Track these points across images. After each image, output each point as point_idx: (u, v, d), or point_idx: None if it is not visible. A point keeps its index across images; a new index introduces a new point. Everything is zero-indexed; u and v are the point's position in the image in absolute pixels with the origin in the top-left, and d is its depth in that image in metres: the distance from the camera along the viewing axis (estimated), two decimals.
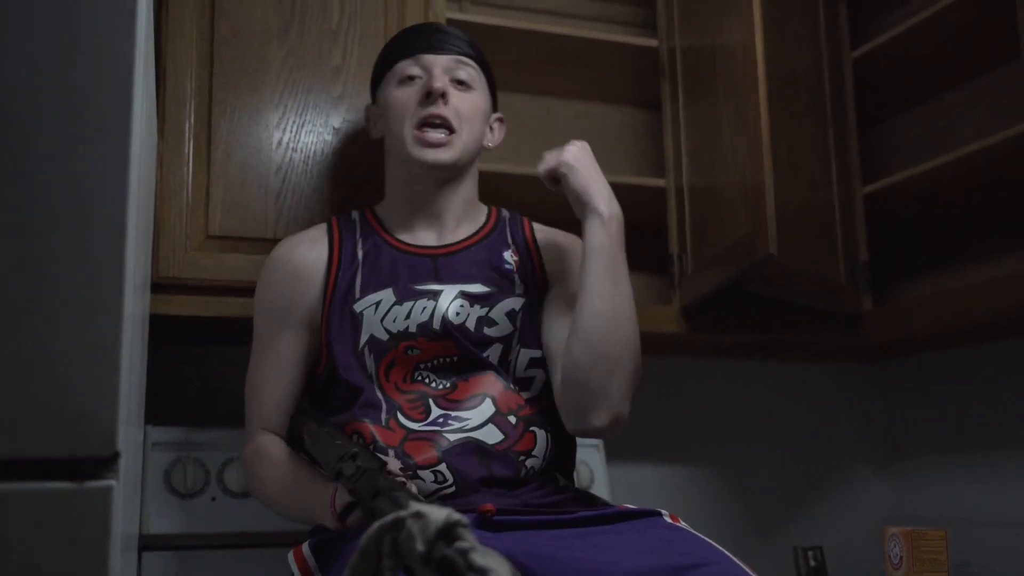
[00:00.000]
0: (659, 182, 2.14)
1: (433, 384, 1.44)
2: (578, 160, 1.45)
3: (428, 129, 1.50)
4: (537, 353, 1.50)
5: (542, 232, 1.62)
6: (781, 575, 2.16)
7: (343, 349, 1.47)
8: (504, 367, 1.47)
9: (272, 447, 1.49)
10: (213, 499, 1.79)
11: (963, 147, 1.90)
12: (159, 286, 1.74)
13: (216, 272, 1.77)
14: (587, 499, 1.46)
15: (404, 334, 1.45)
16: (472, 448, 1.38)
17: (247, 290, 1.78)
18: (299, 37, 1.87)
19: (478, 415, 1.42)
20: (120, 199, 1.05)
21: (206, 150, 1.80)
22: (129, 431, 1.09)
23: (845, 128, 2.18)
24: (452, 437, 1.39)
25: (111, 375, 0.97)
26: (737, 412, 2.46)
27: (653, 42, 2.20)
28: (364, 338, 1.46)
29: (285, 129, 1.85)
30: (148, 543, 1.71)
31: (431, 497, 1.35)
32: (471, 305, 1.48)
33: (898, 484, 2.48)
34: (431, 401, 1.43)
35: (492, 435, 1.40)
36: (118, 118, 1.06)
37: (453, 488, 1.35)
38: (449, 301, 1.47)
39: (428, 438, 1.39)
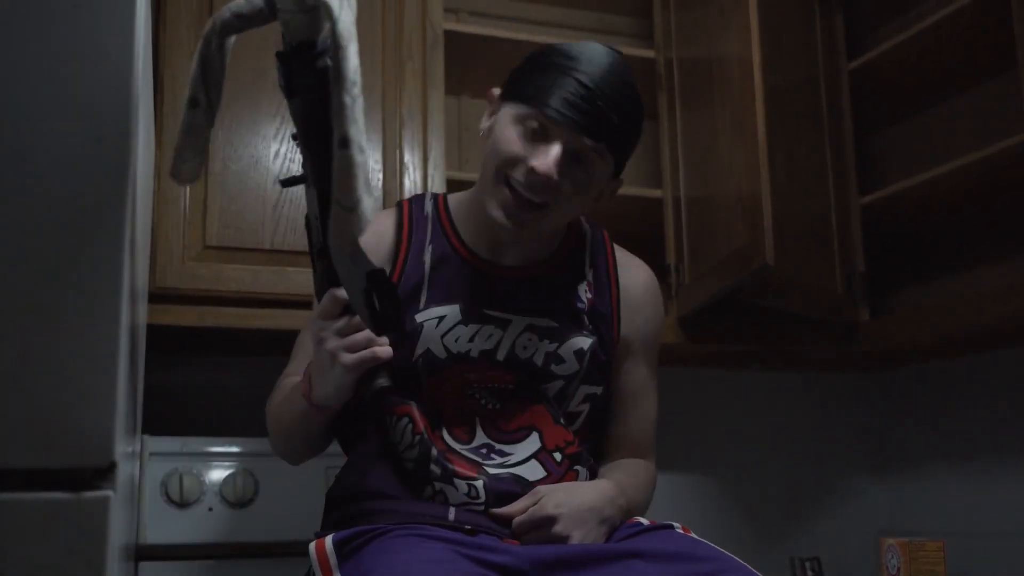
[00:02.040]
0: (656, 193, 2.15)
1: (483, 402, 1.37)
2: (559, 508, 1.29)
3: (512, 200, 1.32)
4: (597, 390, 1.42)
5: (624, 266, 1.49)
6: None
7: (401, 354, 1.32)
8: (559, 400, 1.39)
9: (286, 379, 1.44)
10: (210, 509, 1.78)
11: (960, 157, 1.91)
12: (156, 296, 1.75)
13: (213, 282, 1.77)
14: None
15: (464, 357, 1.36)
16: (511, 481, 1.33)
17: (244, 300, 1.79)
18: None
19: (522, 450, 1.36)
20: (118, 209, 1.05)
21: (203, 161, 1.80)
22: (126, 441, 1.08)
23: (842, 138, 2.19)
24: (492, 471, 1.33)
25: (108, 385, 0.96)
26: (734, 422, 2.47)
27: (650, 53, 2.21)
28: (420, 350, 1.35)
29: (283, 140, 1.85)
30: (145, 553, 1.71)
31: (460, 507, 1.30)
32: (540, 340, 1.38)
33: (895, 494, 2.48)
34: (477, 422, 1.36)
35: (535, 472, 1.34)
36: (116, 128, 1.06)
37: (483, 506, 1.31)
38: (517, 333, 1.37)
39: (471, 461, 1.34)
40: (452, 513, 1.29)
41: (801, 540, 2.39)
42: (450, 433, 1.35)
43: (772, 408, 2.49)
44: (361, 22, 1.92)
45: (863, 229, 2.17)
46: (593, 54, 1.32)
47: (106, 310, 0.98)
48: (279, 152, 1.84)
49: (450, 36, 2.02)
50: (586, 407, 1.42)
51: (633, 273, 1.49)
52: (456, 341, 1.36)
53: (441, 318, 1.37)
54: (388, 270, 1.39)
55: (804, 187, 2.00)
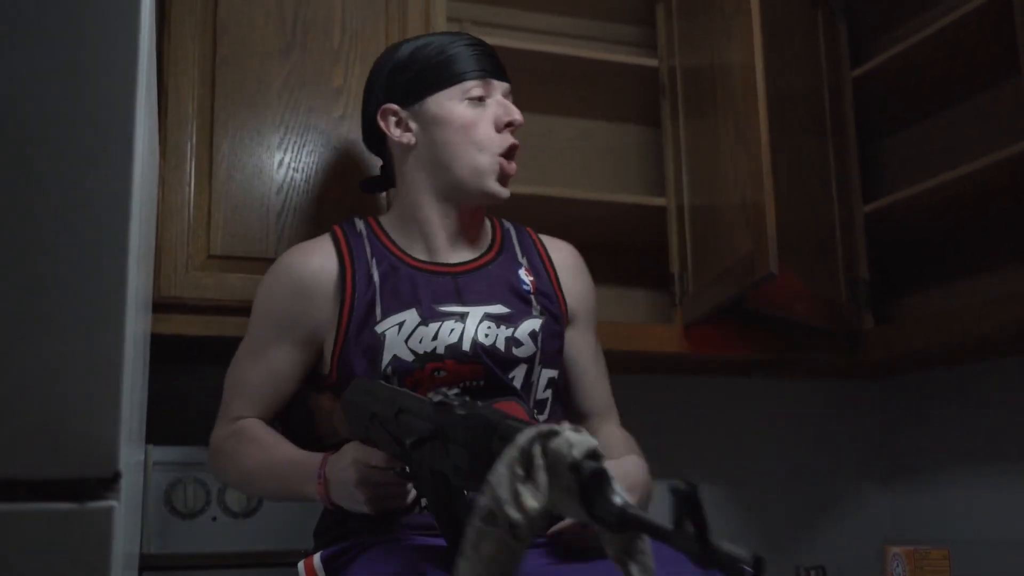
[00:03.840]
0: (660, 201, 2.15)
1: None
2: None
3: (505, 160, 1.47)
4: (554, 373, 1.48)
5: (553, 248, 1.59)
6: None
7: (366, 372, 1.41)
8: (527, 390, 1.45)
9: (256, 426, 1.46)
10: (214, 519, 1.79)
11: (964, 165, 1.91)
12: (161, 305, 1.74)
13: (218, 291, 1.77)
14: None
15: (431, 355, 1.40)
16: None
17: (248, 309, 1.78)
18: (301, 57, 1.88)
19: None
20: (123, 219, 1.05)
21: (208, 170, 1.80)
22: (130, 451, 1.08)
23: (845, 146, 2.19)
24: None
25: (113, 395, 0.96)
26: (738, 430, 2.46)
27: (653, 62, 2.21)
28: (387, 358, 1.40)
29: (287, 149, 1.85)
30: (149, 563, 1.71)
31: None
32: (497, 326, 1.44)
33: (900, 502, 2.47)
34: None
35: None
36: (121, 138, 1.06)
37: None
38: (477, 323, 1.43)
39: None
40: None
41: (806, 549, 2.38)
42: None
43: (775, 416, 2.49)
44: (365, 32, 1.95)
45: (867, 237, 2.16)
46: (445, 32, 1.58)
47: (111, 320, 0.98)
48: (282, 161, 1.84)
49: None
50: (549, 394, 1.47)
51: (562, 251, 1.60)
52: (420, 342, 1.41)
53: (401, 324, 1.42)
54: (338, 296, 1.45)
55: (808, 195, 2.00)
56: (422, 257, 1.50)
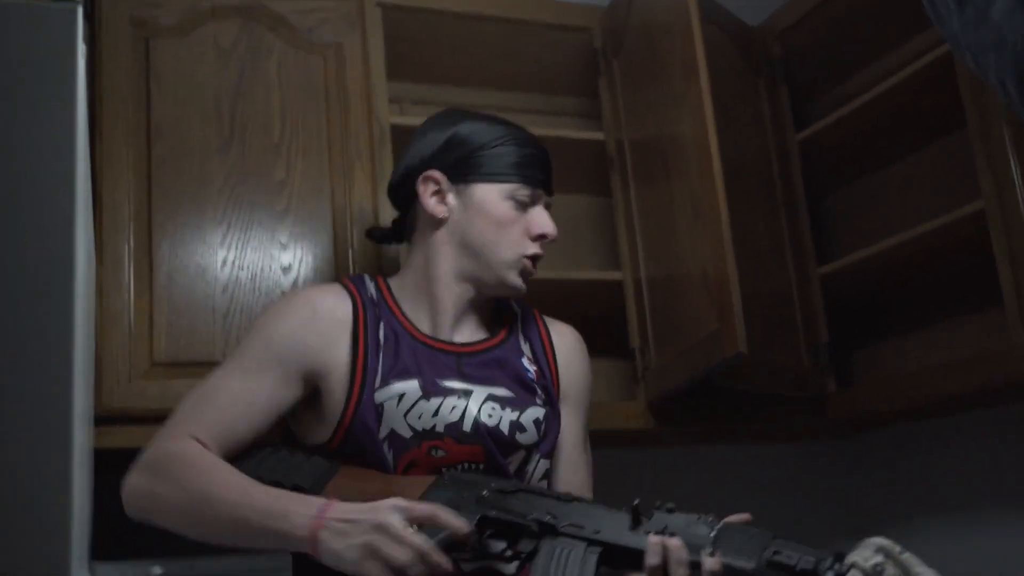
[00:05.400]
0: (616, 275, 2.12)
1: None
2: None
3: (530, 263, 1.47)
4: (549, 464, 1.46)
5: (556, 332, 1.56)
6: None
7: (369, 438, 1.35)
8: (521, 478, 1.40)
9: (210, 455, 1.31)
10: None
11: (912, 219, 1.92)
12: (103, 418, 1.66)
13: (163, 400, 1.68)
14: None
15: (430, 433, 1.35)
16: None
17: None
18: (240, 153, 1.84)
19: None
20: (66, 335, 1.02)
21: (148, 274, 1.74)
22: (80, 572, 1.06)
23: (796, 209, 2.18)
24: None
25: (62, 518, 0.94)
26: (705, 498, 2.40)
27: (599, 135, 2.19)
28: (384, 432, 1.35)
29: (230, 247, 1.80)
30: None
31: None
32: (502, 408, 1.40)
33: None
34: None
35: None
36: (61, 251, 1.04)
37: None
38: (480, 402, 1.39)
39: None
40: None
41: None
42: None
43: (741, 481, 2.45)
44: (306, 124, 1.91)
45: (824, 298, 2.15)
46: (511, 124, 1.54)
47: (58, 438, 0.96)
48: (226, 260, 1.79)
49: (397, 130, 1.99)
50: (544, 485, 1.43)
51: (564, 336, 1.57)
52: (420, 418, 1.36)
53: (401, 395, 1.37)
54: (350, 351, 1.39)
55: (765, 264, 1.99)
56: (426, 331, 1.45)
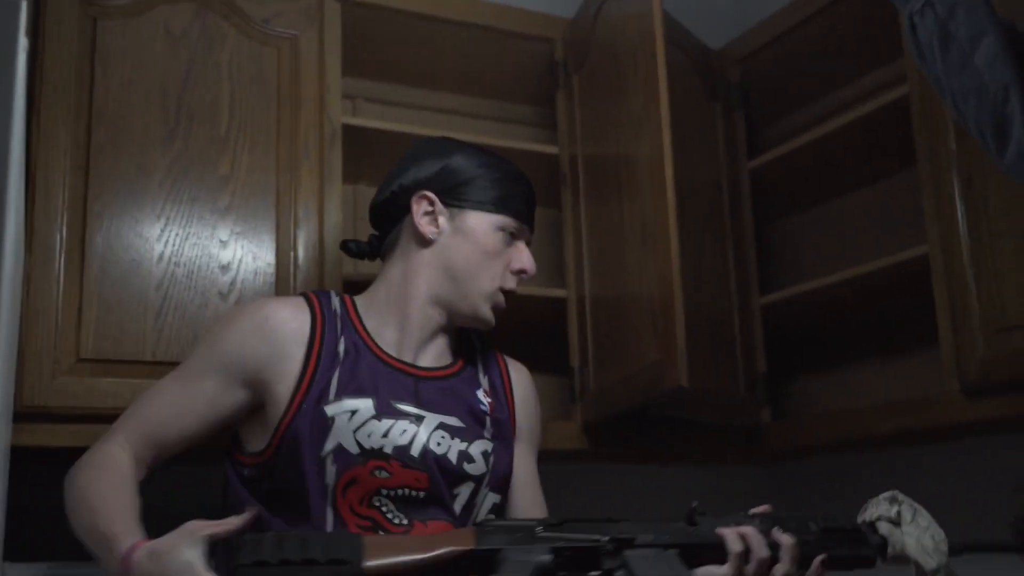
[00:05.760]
0: (560, 292, 2.10)
1: (390, 516, 1.37)
2: None
3: (503, 297, 1.52)
4: (498, 498, 1.48)
5: (515, 371, 1.61)
6: None
7: (307, 450, 1.36)
8: (468, 510, 1.42)
9: (123, 462, 1.39)
10: None
11: (855, 255, 1.95)
12: (22, 415, 1.60)
13: (88, 398, 1.65)
14: None
15: (377, 452, 1.37)
16: None
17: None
18: (184, 144, 1.78)
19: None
20: None
21: (79, 266, 1.67)
22: None
23: (743, 238, 2.19)
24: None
25: None
26: (639, 514, 2.42)
27: (554, 149, 2.17)
28: (330, 445, 1.36)
29: (167, 242, 1.74)
30: None
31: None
32: (452, 437, 1.43)
33: None
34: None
35: None
36: None
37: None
38: (431, 430, 1.41)
39: None
40: None
41: None
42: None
43: (675, 501, 2.45)
44: (255, 118, 1.86)
45: (763, 328, 2.16)
46: (504, 160, 1.57)
47: None
48: (163, 255, 1.73)
49: (348, 130, 1.94)
50: (492, 519, 1.44)
51: (522, 374, 1.62)
52: (369, 436, 1.37)
53: (353, 412, 1.38)
54: (302, 363, 1.41)
55: (710, 292, 1.99)
56: (389, 349, 1.47)
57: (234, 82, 1.84)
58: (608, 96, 2.01)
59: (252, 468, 1.42)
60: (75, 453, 1.70)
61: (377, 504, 1.36)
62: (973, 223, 1.68)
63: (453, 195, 1.49)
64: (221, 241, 1.78)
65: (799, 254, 2.39)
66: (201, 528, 1.25)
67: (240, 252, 1.79)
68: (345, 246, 1.64)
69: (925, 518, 1.35)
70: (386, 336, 1.48)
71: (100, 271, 1.69)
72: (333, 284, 1.84)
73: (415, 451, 1.38)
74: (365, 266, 2.18)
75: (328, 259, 1.86)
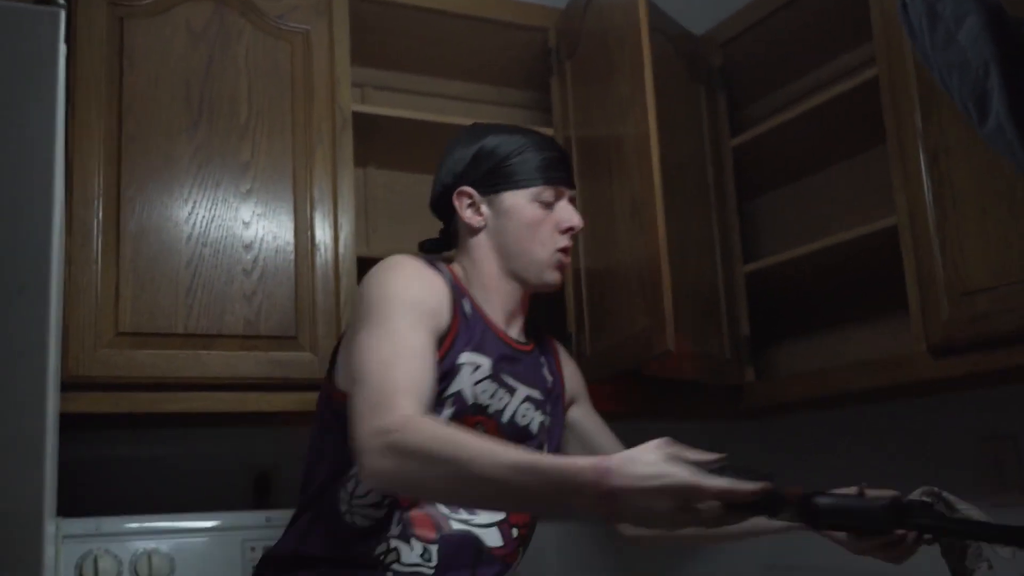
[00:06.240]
0: None
1: None
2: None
3: (563, 256, 1.60)
4: None
5: (563, 354, 1.76)
6: None
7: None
8: None
9: (442, 427, 1.26)
10: None
11: (833, 226, 2.06)
12: (68, 385, 1.73)
13: (127, 368, 1.79)
14: None
15: (483, 409, 1.50)
16: (469, 543, 1.45)
17: (158, 385, 1.81)
18: (207, 133, 1.91)
19: (488, 515, 1.49)
20: (43, 300, 1.07)
21: (115, 248, 1.81)
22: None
23: (727, 211, 2.33)
24: (455, 525, 1.45)
25: (37, 477, 1.00)
26: None
27: (549, 131, 2.30)
28: (453, 389, 1.47)
29: (195, 224, 1.88)
30: None
31: (412, 565, 1.42)
32: (535, 410, 1.59)
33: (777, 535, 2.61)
34: None
35: (493, 539, 1.48)
36: (39, 221, 1.08)
37: (433, 571, 1.43)
38: (520, 401, 1.57)
39: (433, 517, 1.44)
40: None
41: (690, 570, 2.50)
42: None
43: None
44: (271, 108, 2.00)
45: (747, 295, 2.31)
46: (530, 130, 1.68)
47: (33, 406, 1.01)
48: (191, 236, 1.87)
49: (358, 117, 2.08)
50: None
51: (565, 353, 1.78)
52: (482, 392, 1.50)
53: (476, 367, 1.51)
54: (450, 313, 1.50)
55: (696, 262, 2.13)
56: (494, 321, 1.59)
57: (251, 75, 1.98)
58: (598, 81, 2.14)
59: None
60: (117, 419, 1.86)
61: None
62: (938, 195, 1.77)
63: (486, 183, 1.59)
64: (244, 222, 1.92)
65: (780, 225, 2.53)
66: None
67: (261, 232, 1.93)
68: (422, 246, 1.73)
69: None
70: (486, 308, 1.59)
71: (134, 252, 1.83)
72: (348, 261, 1.98)
73: (504, 418, 1.53)
74: (377, 237, 2.33)
75: (343, 237, 1.99)
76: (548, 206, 1.60)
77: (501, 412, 1.53)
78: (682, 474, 1.08)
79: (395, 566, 1.41)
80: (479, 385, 1.50)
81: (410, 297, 1.43)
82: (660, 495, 1.07)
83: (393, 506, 1.42)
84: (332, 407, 1.48)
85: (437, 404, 1.43)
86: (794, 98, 2.41)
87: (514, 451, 1.16)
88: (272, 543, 1.58)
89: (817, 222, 2.41)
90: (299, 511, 1.53)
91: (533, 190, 1.59)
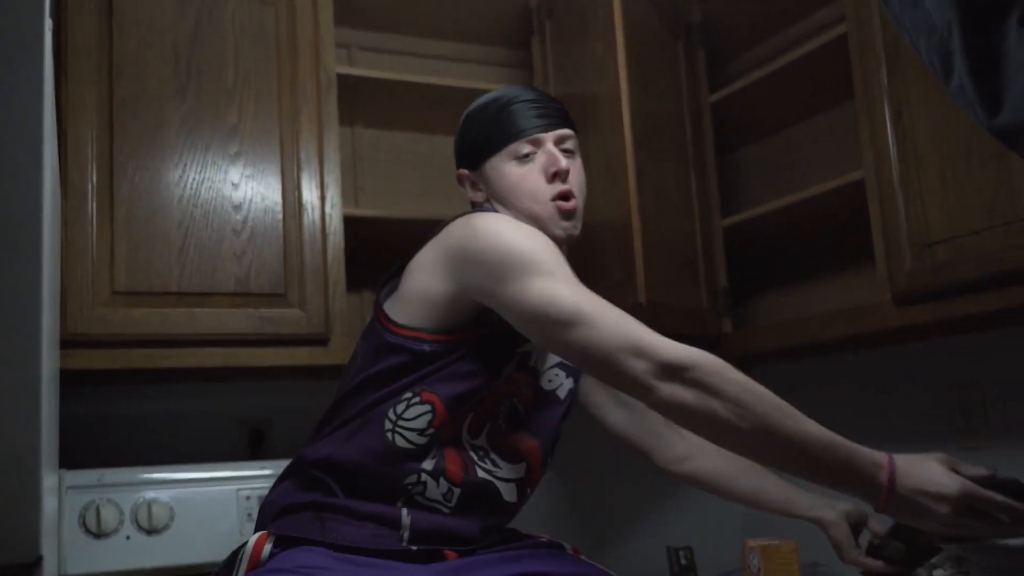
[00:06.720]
0: None
1: (500, 419, 1.51)
2: None
3: (562, 201, 1.54)
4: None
5: None
6: (656, 573, 2.37)
7: (513, 342, 1.48)
8: (552, 443, 1.58)
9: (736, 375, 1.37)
10: (128, 538, 1.88)
11: (807, 187, 2.12)
12: (67, 342, 1.82)
13: (122, 326, 1.86)
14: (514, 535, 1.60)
15: (533, 370, 1.54)
16: (489, 493, 1.49)
17: (153, 342, 1.88)
18: (196, 98, 1.97)
19: (511, 471, 1.52)
20: (34, 262, 1.13)
21: (109, 210, 1.88)
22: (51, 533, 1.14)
23: (705, 165, 2.38)
24: (481, 473, 1.48)
25: (32, 486, 1.04)
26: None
27: None
28: (528, 346, 1.50)
29: (185, 186, 1.94)
30: None
31: (432, 501, 1.45)
32: (566, 376, 1.61)
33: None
34: (487, 428, 1.50)
35: (511, 494, 1.51)
36: (29, 184, 1.13)
37: (449, 511, 1.45)
38: (551, 365, 1.59)
39: (464, 461, 1.47)
40: (406, 535, 1.42)
41: (675, 531, 2.59)
42: (468, 428, 1.47)
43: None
44: (258, 71, 2.05)
45: (725, 248, 2.37)
46: (507, 87, 1.62)
47: (26, 362, 1.07)
48: (182, 198, 1.94)
49: (343, 78, 2.13)
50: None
51: None
52: (539, 353, 1.55)
53: None
54: None
55: (673, 214, 2.19)
56: None
57: (237, 38, 2.03)
58: (574, 41, 2.19)
59: (438, 344, 1.46)
60: (115, 375, 1.94)
61: (499, 407, 1.51)
62: (902, 150, 1.82)
63: (471, 159, 1.59)
64: (233, 184, 1.98)
65: (758, 180, 2.59)
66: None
67: (250, 193, 1.99)
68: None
69: None
70: None
71: (128, 214, 1.89)
72: (335, 220, 2.05)
73: (543, 381, 1.57)
74: (365, 196, 2.39)
75: (329, 197, 2.06)
76: (527, 158, 1.54)
77: (541, 375, 1.56)
78: (968, 485, 1.26)
79: (418, 498, 1.44)
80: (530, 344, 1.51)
81: (551, 252, 1.45)
82: (943, 500, 1.25)
83: (434, 438, 1.44)
84: (391, 340, 1.49)
85: (508, 359, 1.48)
86: (773, 54, 2.45)
87: (812, 422, 1.32)
88: (266, 492, 1.61)
89: (795, 176, 2.47)
90: (338, 424, 1.49)
91: (507, 149, 1.55)
